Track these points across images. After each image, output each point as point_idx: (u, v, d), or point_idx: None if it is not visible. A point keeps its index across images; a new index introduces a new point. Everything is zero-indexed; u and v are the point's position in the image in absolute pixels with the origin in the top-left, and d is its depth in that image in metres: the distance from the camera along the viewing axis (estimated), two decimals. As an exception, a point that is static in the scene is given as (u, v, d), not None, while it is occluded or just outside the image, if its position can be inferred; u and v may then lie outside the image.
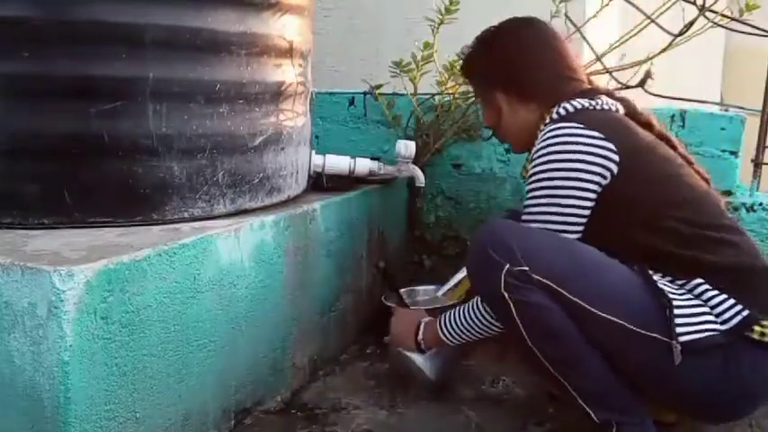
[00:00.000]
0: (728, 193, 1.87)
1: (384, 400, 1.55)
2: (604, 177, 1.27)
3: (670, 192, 1.29)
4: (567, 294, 1.21)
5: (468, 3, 1.95)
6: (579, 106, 1.35)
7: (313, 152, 1.76)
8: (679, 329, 1.17)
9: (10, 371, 1.06)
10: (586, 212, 1.28)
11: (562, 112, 1.35)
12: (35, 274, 1.02)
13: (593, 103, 1.36)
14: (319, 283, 1.65)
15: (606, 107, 1.37)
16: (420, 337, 1.49)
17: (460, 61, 1.59)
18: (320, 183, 1.78)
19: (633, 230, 1.27)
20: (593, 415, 1.25)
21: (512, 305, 1.23)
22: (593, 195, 1.27)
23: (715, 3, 1.87)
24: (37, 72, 1.22)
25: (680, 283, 1.24)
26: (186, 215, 1.35)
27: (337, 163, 1.80)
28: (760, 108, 1.96)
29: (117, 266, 1.08)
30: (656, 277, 1.23)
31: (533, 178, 1.31)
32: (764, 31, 1.93)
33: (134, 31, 1.25)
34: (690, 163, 1.37)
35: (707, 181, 1.36)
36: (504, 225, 1.31)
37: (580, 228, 1.29)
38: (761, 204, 1.86)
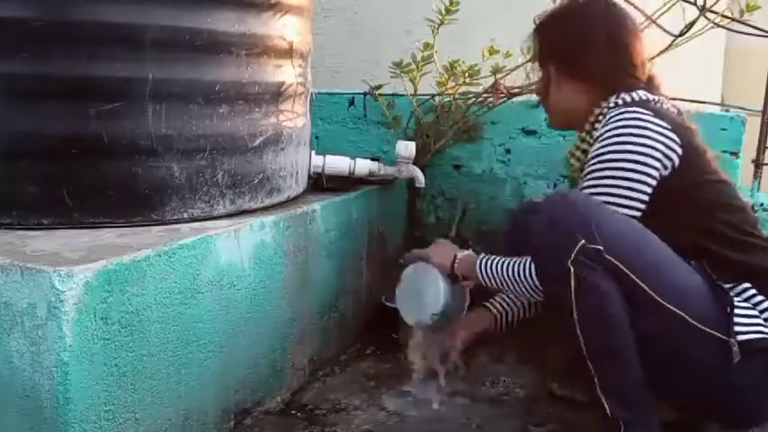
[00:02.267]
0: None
1: (384, 400, 1.55)
2: (665, 167, 1.27)
3: (721, 195, 1.31)
4: (636, 280, 1.19)
5: (468, 3, 1.95)
6: (644, 97, 1.36)
7: (313, 153, 1.76)
8: (737, 328, 1.18)
9: (9, 371, 1.06)
10: (646, 197, 1.28)
11: (627, 99, 1.35)
12: (35, 275, 1.02)
13: (654, 98, 1.37)
14: (319, 283, 1.65)
15: (665, 105, 1.37)
16: (456, 263, 1.46)
17: (460, 61, 1.58)
18: (320, 183, 1.78)
19: (684, 226, 1.28)
20: (607, 408, 1.24)
21: (573, 282, 1.19)
22: (654, 182, 1.27)
23: (715, 3, 1.87)
24: (37, 72, 1.22)
25: (728, 286, 1.24)
26: (186, 216, 1.35)
27: (337, 163, 1.80)
28: (760, 108, 1.95)
29: (116, 267, 1.08)
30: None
31: (600, 158, 1.29)
32: (765, 31, 1.93)
33: (134, 32, 1.25)
34: None
35: None
36: (584, 199, 1.27)
37: (638, 213, 1.28)
38: (762, 205, 1.85)
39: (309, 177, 1.75)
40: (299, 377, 1.61)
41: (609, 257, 1.18)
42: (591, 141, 1.40)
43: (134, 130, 1.27)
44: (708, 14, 1.87)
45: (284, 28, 1.48)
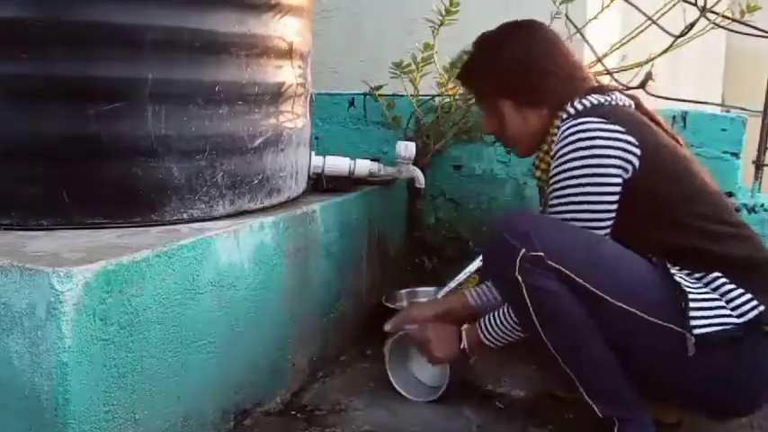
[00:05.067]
0: (730, 194, 1.87)
1: (384, 401, 1.55)
2: (626, 171, 1.27)
3: (688, 187, 1.30)
4: (580, 281, 1.21)
5: (468, 4, 1.95)
6: (595, 102, 1.35)
7: (313, 153, 1.76)
8: (693, 322, 1.18)
9: (8, 372, 1.06)
10: (614, 207, 1.28)
11: (579, 107, 1.35)
12: (34, 276, 1.02)
13: (608, 98, 1.35)
14: (319, 284, 1.65)
15: (620, 102, 1.36)
16: (464, 345, 1.45)
17: (459, 66, 1.58)
18: (320, 184, 1.78)
19: (652, 224, 1.28)
20: (596, 409, 1.26)
21: (524, 289, 1.22)
22: (618, 189, 1.27)
23: (716, 4, 1.87)
24: (36, 73, 1.22)
25: (698, 276, 1.25)
26: (185, 216, 1.35)
27: (337, 164, 1.80)
28: (761, 109, 1.95)
29: (116, 268, 1.08)
30: (673, 270, 1.24)
31: (559, 176, 1.30)
32: (765, 32, 1.92)
33: (133, 32, 1.25)
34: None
35: None
36: (522, 213, 1.34)
37: (609, 222, 1.29)
38: (762, 206, 1.85)
39: (309, 178, 1.75)
40: (299, 378, 1.61)
41: (551, 263, 1.21)
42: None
43: (133, 130, 1.27)
44: (708, 15, 1.87)
45: (284, 29, 1.48)
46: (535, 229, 1.24)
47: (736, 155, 1.89)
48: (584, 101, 1.36)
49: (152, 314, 1.16)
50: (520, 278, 1.22)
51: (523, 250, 1.22)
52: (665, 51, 1.91)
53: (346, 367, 1.73)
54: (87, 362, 1.05)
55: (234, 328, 1.35)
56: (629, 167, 1.26)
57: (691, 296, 1.19)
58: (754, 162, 1.97)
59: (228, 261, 1.32)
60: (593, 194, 1.27)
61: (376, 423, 1.45)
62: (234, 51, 1.36)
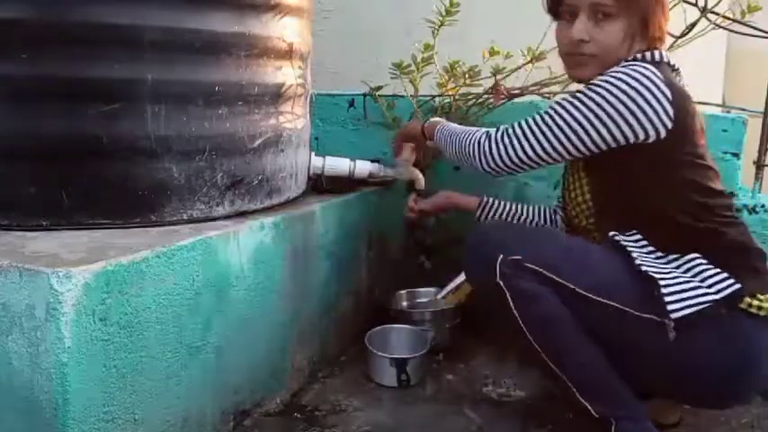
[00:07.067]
0: (730, 195, 1.87)
1: (384, 401, 1.55)
2: (647, 134, 1.23)
3: (700, 175, 1.28)
4: (559, 280, 1.24)
5: (468, 3, 1.95)
6: (666, 59, 1.32)
7: (312, 154, 1.76)
8: (670, 306, 1.18)
9: (8, 372, 1.06)
10: (581, 153, 1.27)
11: (648, 56, 1.31)
12: (33, 276, 1.02)
13: (674, 63, 1.34)
14: (318, 284, 1.65)
15: (677, 77, 1.33)
16: (426, 125, 1.64)
17: (460, 62, 1.58)
18: (320, 184, 1.78)
19: (651, 193, 1.27)
20: (590, 409, 1.26)
21: (507, 293, 1.26)
22: (605, 145, 1.25)
23: (717, 4, 1.87)
24: (35, 73, 1.22)
25: (673, 257, 1.25)
26: (185, 217, 1.35)
27: (337, 165, 1.80)
28: (762, 110, 1.95)
29: (115, 268, 1.08)
30: (635, 255, 1.24)
31: (580, 93, 1.26)
32: (766, 32, 1.92)
33: (132, 33, 1.25)
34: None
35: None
36: (495, 223, 1.42)
37: (564, 157, 1.30)
38: (763, 206, 1.85)
39: (309, 179, 1.75)
40: (299, 378, 1.60)
41: (528, 264, 1.24)
42: None
43: (133, 131, 1.27)
44: (709, 16, 1.87)
45: (284, 29, 1.48)
46: (510, 234, 1.30)
47: (736, 155, 1.89)
48: (654, 52, 1.31)
49: (152, 314, 1.16)
50: (502, 283, 1.25)
51: (501, 255, 1.25)
52: (665, 52, 1.91)
53: (346, 368, 1.73)
54: (87, 362, 1.05)
55: (233, 328, 1.35)
56: (653, 133, 1.23)
57: (661, 282, 1.20)
58: (754, 162, 1.96)
59: (228, 262, 1.32)
60: (577, 132, 1.25)
61: (376, 423, 1.45)
62: (233, 52, 1.36)
